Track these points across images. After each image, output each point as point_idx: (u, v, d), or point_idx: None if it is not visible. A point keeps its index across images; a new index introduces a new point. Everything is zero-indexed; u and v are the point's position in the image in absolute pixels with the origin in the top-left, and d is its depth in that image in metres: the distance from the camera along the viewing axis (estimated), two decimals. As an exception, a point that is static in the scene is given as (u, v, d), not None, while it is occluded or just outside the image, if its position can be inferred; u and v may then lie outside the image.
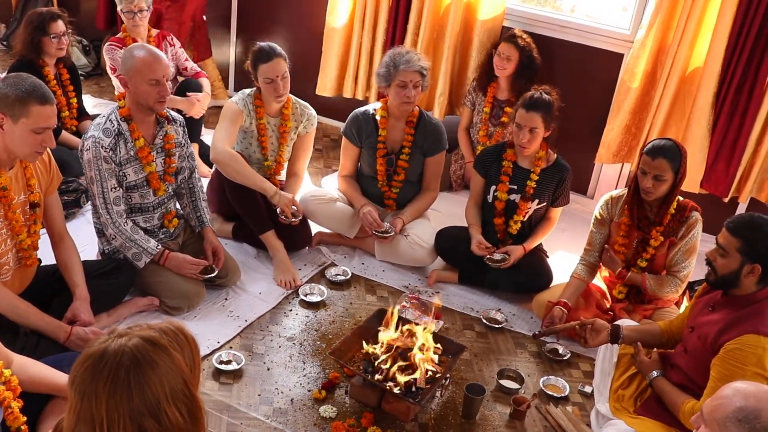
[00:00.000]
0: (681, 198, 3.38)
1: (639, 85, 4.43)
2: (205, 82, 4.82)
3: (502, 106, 4.70)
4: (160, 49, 4.70)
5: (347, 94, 5.32)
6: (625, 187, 3.65)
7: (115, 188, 3.24)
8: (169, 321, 1.50)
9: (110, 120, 3.24)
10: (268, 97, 3.81)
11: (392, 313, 3.03)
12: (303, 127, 4.01)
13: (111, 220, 3.24)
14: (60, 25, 4.21)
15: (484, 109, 4.76)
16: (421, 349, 2.91)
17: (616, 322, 3.11)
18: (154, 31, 4.77)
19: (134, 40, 4.59)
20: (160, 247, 3.35)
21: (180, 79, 4.90)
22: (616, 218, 3.48)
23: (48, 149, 2.84)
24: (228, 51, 5.91)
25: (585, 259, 3.58)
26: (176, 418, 1.40)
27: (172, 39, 4.86)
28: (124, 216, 3.29)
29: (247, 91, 3.90)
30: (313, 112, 4.04)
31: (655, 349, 2.95)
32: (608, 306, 3.56)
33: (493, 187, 3.80)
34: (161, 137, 3.38)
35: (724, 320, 2.62)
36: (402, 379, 2.84)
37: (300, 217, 3.80)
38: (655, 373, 2.80)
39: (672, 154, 3.20)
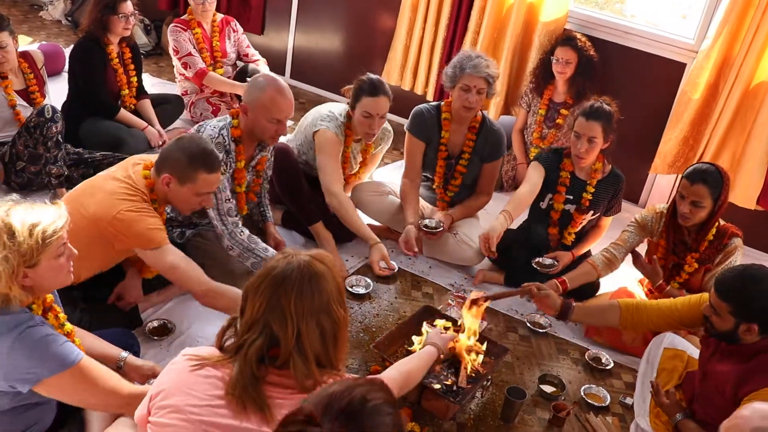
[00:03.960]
0: (722, 222, 3.27)
1: (700, 97, 4.35)
2: (264, 69, 4.86)
3: (558, 109, 4.67)
4: (223, 34, 4.79)
5: (406, 86, 5.33)
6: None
7: (228, 199, 3.28)
8: (316, 249, 1.95)
9: (222, 135, 3.26)
10: (358, 129, 3.78)
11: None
12: (380, 147, 4.11)
13: (227, 230, 3.26)
14: (129, 6, 4.30)
15: (539, 111, 4.73)
16: (467, 350, 2.93)
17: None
18: (219, 16, 4.83)
19: (199, 24, 4.67)
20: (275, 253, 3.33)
21: (239, 64, 4.96)
22: (655, 238, 3.42)
23: None
24: (287, 38, 5.96)
25: (609, 251, 3.49)
26: (340, 314, 1.85)
27: (235, 24, 4.92)
28: (240, 225, 3.31)
29: (336, 113, 3.82)
30: (390, 128, 4.06)
31: (673, 389, 2.89)
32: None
33: (549, 196, 3.77)
34: (257, 159, 3.46)
35: (735, 372, 2.54)
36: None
37: (395, 270, 3.78)
38: (679, 416, 2.75)
39: (713, 180, 3.09)
